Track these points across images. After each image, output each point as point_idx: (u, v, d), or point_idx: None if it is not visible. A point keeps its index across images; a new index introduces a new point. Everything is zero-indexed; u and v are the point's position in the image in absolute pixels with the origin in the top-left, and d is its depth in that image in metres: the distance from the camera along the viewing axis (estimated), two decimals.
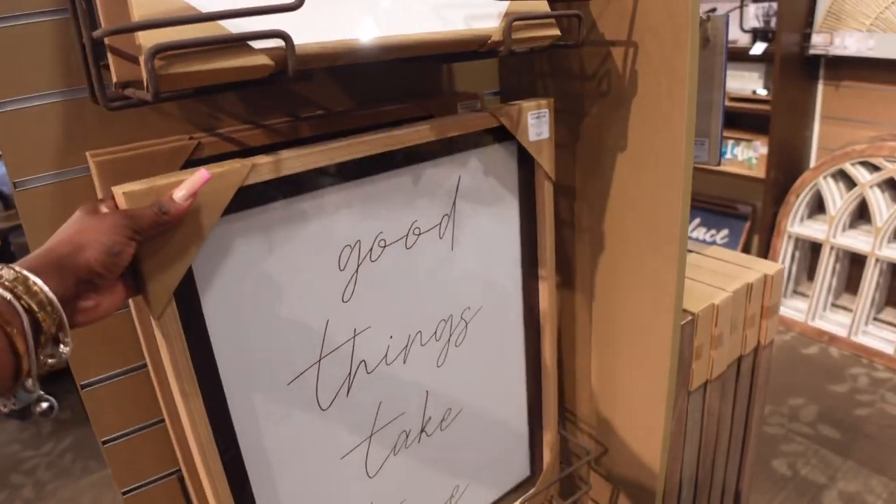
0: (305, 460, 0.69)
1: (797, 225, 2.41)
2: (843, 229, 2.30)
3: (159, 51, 0.43)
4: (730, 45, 2.52)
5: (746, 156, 2.58)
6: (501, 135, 0.74)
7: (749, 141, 2.56)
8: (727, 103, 2.57)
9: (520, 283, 0.83)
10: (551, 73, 0.84)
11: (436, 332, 0.76)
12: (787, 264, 2.46)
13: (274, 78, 0.50)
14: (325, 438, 0.70)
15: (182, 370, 0.57)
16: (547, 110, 0.75)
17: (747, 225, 2.80)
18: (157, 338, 0.57)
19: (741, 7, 2.43)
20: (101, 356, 0.70)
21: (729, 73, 2.64)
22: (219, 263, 0.58)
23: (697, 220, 2.99)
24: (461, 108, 0.80)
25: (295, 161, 0.59)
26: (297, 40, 0.48)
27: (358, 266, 0.68)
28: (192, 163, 0.65)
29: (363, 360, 0.71)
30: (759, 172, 2.51)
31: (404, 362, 0.74)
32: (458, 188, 0.73)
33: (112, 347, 0.71)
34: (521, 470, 0.92)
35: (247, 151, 0.66)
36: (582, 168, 0.84)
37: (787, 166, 2.46)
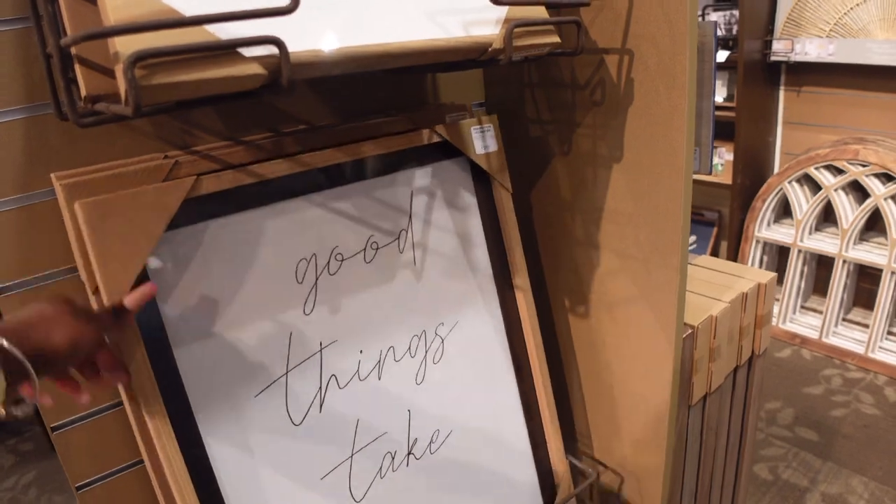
0: (284, 479, 0.67)
1: (764, 230, 2.44)
2: (810, 232, 2.34)
3: (140, 58, 0.39)
4: None
5: (712, 162, 2.61)
6: (451, 151, 0.75)
7: (714, 148, 2.60)
8: None
9: (495, 295, 0.81)
10: (540, 82, 0.81)
11: (410, 348, 0.74)
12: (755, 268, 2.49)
13: (264, 90, 0.45)
14: (302, 456, 0.68)
15: (142, 374, 0.57)
16: (491, 125, 0.76)
17: (714, 231, 2.83)
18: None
19: (703, 15, 2.46)
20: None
21: None
22: (175, 274, 0.60)
23: None
24: (449, 119, 0.77)
25: (235, 176, 0.62)
26: (291, 48, 0.44)
27: (316, 279, 0.67)
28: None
29: (333, 375, 0.69)
30: (726, 178, 2.54)
31: (379, 378, 0.72)
32: (412, 203, 0.74)
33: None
34: (532, 499, 0.88)
35: (232, 168, 0.63)
36: (574, 179, 0.82)
37: (753, 172, 2.49)
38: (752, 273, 0.94)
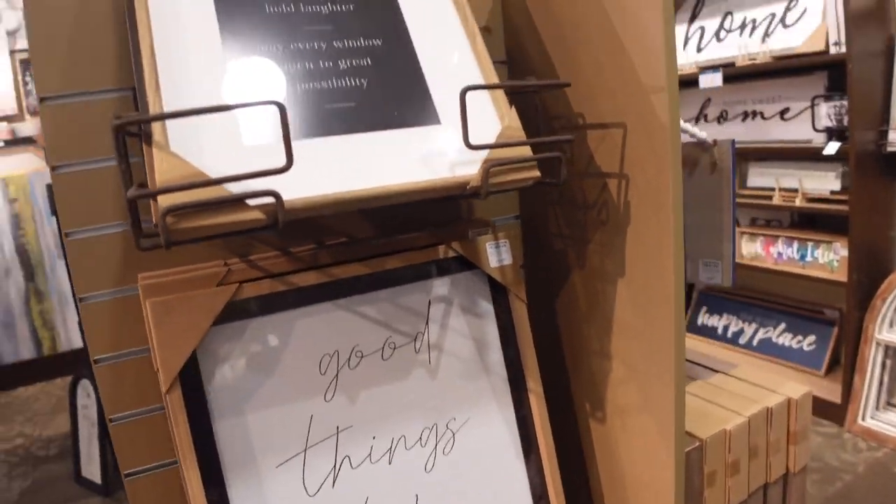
0: None
1: (886, 331, 2.25)
2: None
3: (169, 211, 0.53)
4: (804, 146, 2.48)
5: (827, 258, 2.47)
6: (470, 263, 0.84)
7: (829, 243, 2.46)
8: (804, 204, 2.51)
9: (508, 396, 0.87)
10: (559, 201, 0.90)
11: (420, 439, 0.82)
12: (877, 373, 2.29)
13: (267, 228, 0.58)
14: None
15: (182, 438, 0.69)
16: (507, 241, 0.84)
17: (835, 331, 2.64)
18: (167, 411, 0.70)
19: (812, 107, 2.40)
20: (143, 450, 0.79)
21: (804, 173, 2.59)
22: (218, 359, 0.73)
23: (783, 326, 2.84)
24: (472, 234, 0.86)
25: (270, 285, 0.75)
26: (287, 196, 0.57)
27: (337, 372, 0.78)
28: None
29: (347, 456, 0.78)
30: (842, 276, 2.39)
31: (389, 463, 0.80)
32: (429, 309, 0.83)
33: (153, 443, 0.80)
34: None
35: (270, 277, 0.77)
36: (588, 292, 0.88)
37: (871, 268, 2.33)
38: (786, 388, 0.93)
